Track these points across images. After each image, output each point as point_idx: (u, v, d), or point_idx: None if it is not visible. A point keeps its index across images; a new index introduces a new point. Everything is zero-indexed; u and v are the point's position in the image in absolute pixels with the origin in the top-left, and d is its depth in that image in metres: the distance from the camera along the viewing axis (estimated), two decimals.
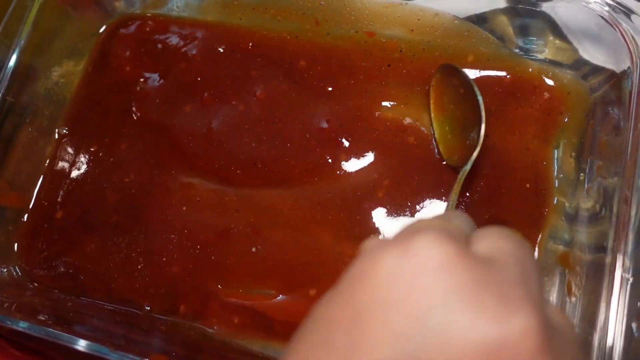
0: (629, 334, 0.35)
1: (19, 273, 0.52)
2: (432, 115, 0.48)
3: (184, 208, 0.50)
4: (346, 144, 0.49)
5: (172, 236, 0.49)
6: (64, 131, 0.55)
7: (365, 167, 0.48)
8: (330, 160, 0.49)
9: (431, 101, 0.48)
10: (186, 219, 0.50)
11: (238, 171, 0.50)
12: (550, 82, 0.47)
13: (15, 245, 0.52)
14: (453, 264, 0.22)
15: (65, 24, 0.56)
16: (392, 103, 0.49)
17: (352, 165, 0.49)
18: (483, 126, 0.43)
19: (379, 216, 0.47)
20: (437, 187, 0.47)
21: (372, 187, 0.48)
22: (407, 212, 0.47)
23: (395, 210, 0.47)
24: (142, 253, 0.50)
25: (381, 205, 0.47)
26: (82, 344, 0.42)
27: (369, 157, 0.49)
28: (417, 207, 0.47)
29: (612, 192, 0.41)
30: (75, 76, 0.57)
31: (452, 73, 0.47)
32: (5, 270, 0.51)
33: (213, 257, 0.48)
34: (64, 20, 0.56)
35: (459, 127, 0.46)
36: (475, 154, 0.43)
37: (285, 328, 0.46)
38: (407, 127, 0.49)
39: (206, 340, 0.46)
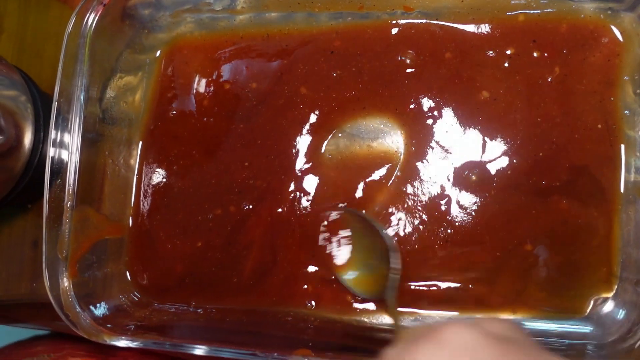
0: None
1: (138, 296, 0.56)
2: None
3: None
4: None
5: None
6: (140, 155, 0.58)
7: None
8: None
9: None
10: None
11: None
12: (604, 24, 0.49)
13: (127, 273, 0.56)
14: (483, 344, 0.28)
15: (116, 48, 0.57)
16: None
17: None
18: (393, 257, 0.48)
19: None
20: None
21: None
22: None
23: None
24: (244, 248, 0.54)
25: None
26: (227, 352, 0.46)
27: None
28: None
29: None
30: (136, 94, 0.59)
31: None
32: (124, 298, 0.55)
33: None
34: (114, 43, 0.57)
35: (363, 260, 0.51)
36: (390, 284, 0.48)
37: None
38: None
39: (330, 323, 0.50)
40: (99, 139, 0.55)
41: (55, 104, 0.51)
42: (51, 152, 0.51)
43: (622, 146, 0.48)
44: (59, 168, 0.51)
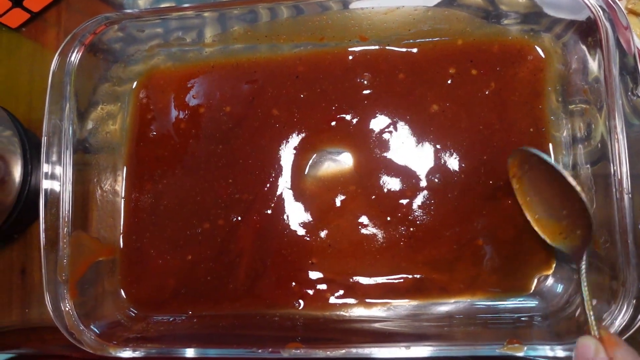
0: (637, 231, 0.47)
1: (135, 311, 0.60)
2: (522, 204, 0.54)
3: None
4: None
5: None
6: (125, 178, 0.62)
7: None
8: None
9: (517, 193, 0.54)
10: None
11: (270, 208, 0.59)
12: (528, 43, 0.58)
13: (121, 289, 0.60)
14: None
15: (95, 82, 0.61)
16: None
17: None
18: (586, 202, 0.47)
19: None
20: None
21: None
22: None
23: None
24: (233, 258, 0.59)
25: None
26: (222, 352, 0.51)
27: None
28: None
29: (599, 120, 0.52)
30: (117, 123, 0.63)
31: (526, 160, 0.52)
32: (120, 314, 0.59)
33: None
34: (93, 78, 0.61)
35: (551, 209, 0.52)
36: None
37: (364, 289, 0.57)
38: None
39: (316, 320, 0.56)
40: (85, 168, 0.59)
41: (44, 139, 0.55)
42: (45, 184, 0.54)
43: (551, 145, 0.57)
44: (53, 198, 0.55)
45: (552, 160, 0.50)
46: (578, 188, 0.47)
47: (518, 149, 0.52)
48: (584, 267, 0.48)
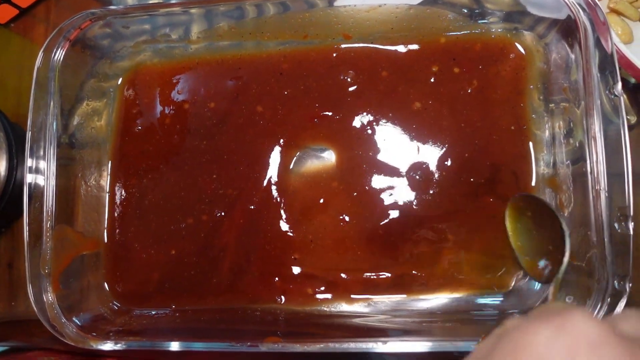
0: (613, 230, 0.47)
1: (117, 304, 0.61)
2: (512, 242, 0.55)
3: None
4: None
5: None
6: (110, 172, 0.63)
7: None
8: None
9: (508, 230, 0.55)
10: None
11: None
12: (510, 42, 0.58)
13: (105, 283, 0.61)
14: (607, 341, 0.25)
15: (81, 78, 0.62)
16: None
17: None
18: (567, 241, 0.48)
19: None
20: None
21: None
22: None
23: None
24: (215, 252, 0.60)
25: None
26: (202, 346, 0.52)
27: None
28: None
29: (579, 118, 0.52)
30: (102, 119, 0.64)
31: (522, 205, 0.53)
32: (103, 308, 0.60)
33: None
34: (79, 74, 0.62)
35: (537, 248, 0.53)
36: (563, 269, 0.49)
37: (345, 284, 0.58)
38: None
39: (297, 315, 0.57)
40: (71, 163, 0.60)
41: (29, 133, 0.56)
42: (28, 178, 0.55)
43: (531, 144, 0.57)
44: (37, 192, 0.55)
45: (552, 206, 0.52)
46: (567, 232, 0.48)
47: (522, 194, 0.54)
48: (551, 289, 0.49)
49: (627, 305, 0.46)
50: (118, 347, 0.53)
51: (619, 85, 0.48)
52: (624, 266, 0.46)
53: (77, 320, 0.55)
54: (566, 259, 0.48)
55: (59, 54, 0.57)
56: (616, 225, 0.47)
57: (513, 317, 0.31)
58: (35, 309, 0.54)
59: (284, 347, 0.50)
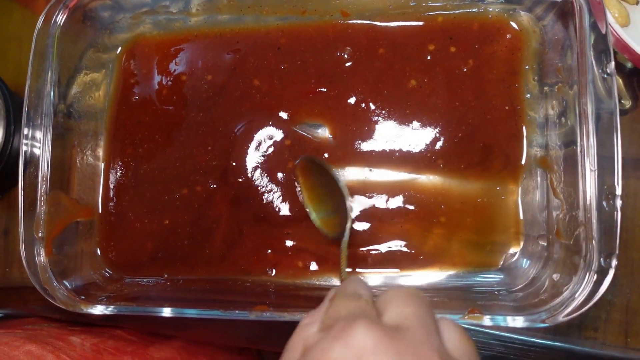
0: (601, 209, 0.48)
1: (109, 272, 0.61)
2: (305, 200, 0.58)
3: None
4: None
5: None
6: (106, 142, 0.63)
7: None
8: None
9: (301, 189, 0.59)
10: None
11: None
12: (507, 22, 0.58)
13: (98, 250, 0.62)
14: (381, 346, 0.29)
15: (80, 47, 0.62)
16: None
17: None
18: (348, 203, 0.55)
19: None
20: None
21: None
22: None
23: None
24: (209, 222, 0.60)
25: None
26: (191, 312, 0.52)
27: None
28: None
29: (572, 100, 0.52)
30: (101, 90, 0.64)
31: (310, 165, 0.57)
32: (95, 274, 0.61)
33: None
34: (78, 43, 0.62)
35: (329, 205, 0.57)
36: (348, 225, 0.54)
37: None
38: None
39: (286, 287, 0.57)
40: (67, 132, 0.60)
41: (26, 100, 0.56)
42: (25, 144, 0.55)
43: (524, 125, 0.57)
44: (32, 158, 0.56)
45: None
46: (347, 195, 0.54)
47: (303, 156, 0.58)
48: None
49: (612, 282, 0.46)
50: (108, 311, 0.54)
51: (612, 64, 0.48)
52: (611, 244, 0.46)
53: (68, 284, 0.56)
54: (349, 224, 0.54)
55: (59, 20, 0.58)
56: (604, 203, 0.47)
57: (310, 322, 0.34)
58: (27, 272, 0.55)
59: (272, 315, 0.51)
